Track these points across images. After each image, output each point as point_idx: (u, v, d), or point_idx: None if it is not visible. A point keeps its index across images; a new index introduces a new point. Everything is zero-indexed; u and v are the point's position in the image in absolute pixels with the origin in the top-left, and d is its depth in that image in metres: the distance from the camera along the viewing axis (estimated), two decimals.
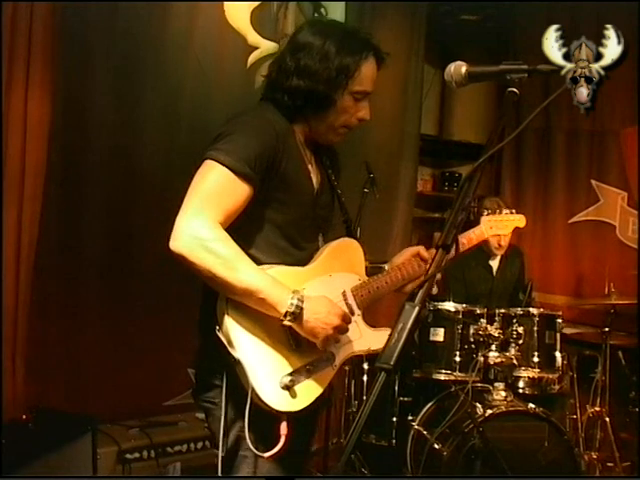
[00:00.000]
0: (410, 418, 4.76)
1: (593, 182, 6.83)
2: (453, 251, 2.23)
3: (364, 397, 5.26)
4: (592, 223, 6.85)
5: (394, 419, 4.90)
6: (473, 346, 4.74)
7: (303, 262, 2.59)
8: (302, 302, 2.36)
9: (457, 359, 4.73)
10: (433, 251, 2.62)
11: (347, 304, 2.62)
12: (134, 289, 4.70)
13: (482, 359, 4.66)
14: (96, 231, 4.60)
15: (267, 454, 2.38)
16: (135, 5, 4.63)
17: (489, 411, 4.46)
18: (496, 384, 4.67)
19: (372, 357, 5.28)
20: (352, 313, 2.60)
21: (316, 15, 5.52)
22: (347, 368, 5.31)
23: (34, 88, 4.17)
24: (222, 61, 4.96)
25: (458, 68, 2.17)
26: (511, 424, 4.50)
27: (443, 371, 4.77)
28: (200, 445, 4.43)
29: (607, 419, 5.34)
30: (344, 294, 2.62)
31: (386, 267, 2.80)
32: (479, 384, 4.72)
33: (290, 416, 2.41)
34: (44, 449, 3.93)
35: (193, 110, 4.81)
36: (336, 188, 2.76)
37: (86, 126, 4.54)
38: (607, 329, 5.42)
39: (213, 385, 2.51)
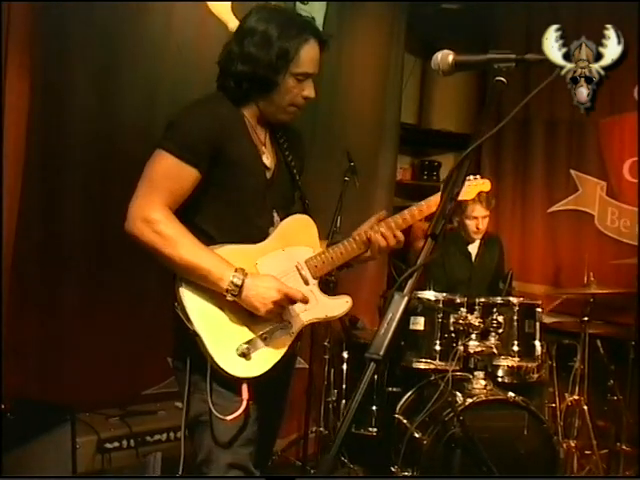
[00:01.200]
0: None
1: (572, 172, 6.84)
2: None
3: (344, 386, 5.29)
4: (571, 212, 6.86)
5: (374, 407, 4.92)
6: (453, 335, 4.76)
7: (257, 239, 2.77)
8: (243, 279, 2.54)
9: (437, 348, 4.76)
10: (395, 217, 2.89)
11: (301, 275, 2.80)
12: (113, 278, 4.66)
13: (462, 348, 4.68)
14: (75, 222, 4.55)
15: (229, 417, 2.56)
16: None
17: (469, 400, 4.49)
18: (476, 373, 4.69)
19: (352, 346, 5.35)
20: (307, 283, 2.80)
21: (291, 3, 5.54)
22: (327, 357, 5.33)
23: (12, 78, 4.12)
24: (203, 48, 4.89)
25: (445, 56, 2.17)
26: (491, 413, 4.53)
27: (423, 360, 4.78)
28: (180, 434, 4.41)
29: (585, 407, 5.38)
30: (298, 266, 2.80)
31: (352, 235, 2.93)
32: (459, 373, 4.74)
33: (251, 382, 2.60)
34: (23, 439, 3.90)
35: (173, 98, 4.74)
36: (292, 167, 2.92)
37: (65, 116, 4.47)
38: (586, 318, 5.45)
39: (183, 353, 2.71)
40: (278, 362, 2.67)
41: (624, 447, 5.31)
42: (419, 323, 4.80)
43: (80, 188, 4.58)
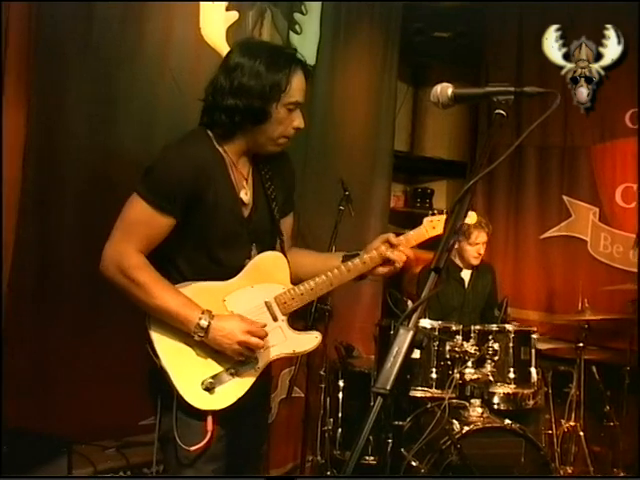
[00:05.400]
0: (384, 435, 4.74)
1: (564, 198, 6.87)
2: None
3: (339, 414, 5.27)
4: (564, 238, 6.88)
5: (370, 436, 4.88)
6: (449, 363, 4.74)
7: (229, 276, 2.83)
8: (209, 321, 2.65)
9: (433, 376, 4.73)
10: (401, 238, 2.90)
11: (270, 312, 2.84)
12: (109, 306, 4.63)
13: (458, 376, 4.65)
14: (71, 249, 4.53)
15: (192, 448, 2.68)
16: (110, 21, 4.60)
17: (466, 427, 4.47)
18: (472, 400, 4.67)
19: (348, 374, 5.34)
20: (275, 319, 2.84)
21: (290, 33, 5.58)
22: (323, 386, 5.31)
23: (9, 105, 4.13)
24: (198, 78, 4.90)
25: (444, 89, 2.20)
26: (488, 440, 4.51)
27: (419, 388, 4.76)
28: None
29: (581, 433, 5.38)
30: (267, 303, 2.84)
31: (361, 254, 2.93)
32: (455, 400, 4.71)
33: (216, 414, 2.70)
34: (19, 471, 3.86)
35: (169, 127, 4.75)
36: (272, 201, 2.92)
37: (61, 144, 4.48)
38: (581, 344, 5.47)
39: (155, 386, 2.80)
40: (246, 394, 2.75)
41: (621, 473, 5.31)
42: (415, 351, 4.78)
43: (77, 217, 4.57)
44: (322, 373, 5.31)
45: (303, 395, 5.18)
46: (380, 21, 6.58)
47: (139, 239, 2.68)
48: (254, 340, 2.69)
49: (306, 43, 5.74)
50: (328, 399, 5.35)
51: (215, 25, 5.08)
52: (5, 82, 4.13)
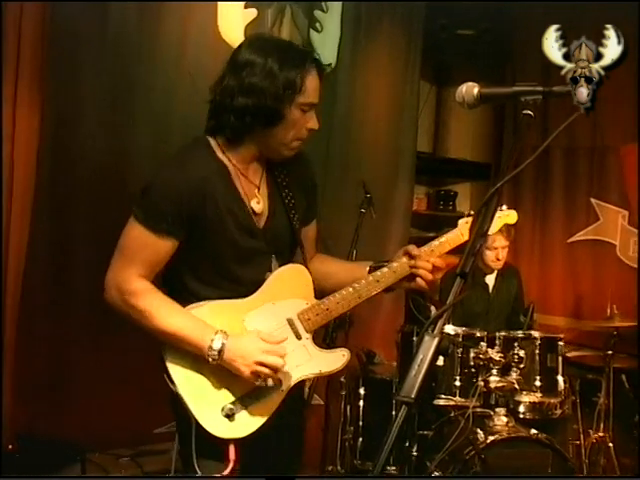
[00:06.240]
0: (407, 444, 4.64)
1: (593, 200, 6.80)
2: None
3: (360, 422, 5.18)
4: (592, 242, 6.81)
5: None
6: (473, 370, 4.63)
7: (246, 291, 2.65)
8: (223, 342, 2.48)
9: (457, 384, 4.62)
10: (423, 248, 2.73)
11: (294, 330, 2.67)
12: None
13: (483, 383, 4.55)
14: (85, 254, 4.51)
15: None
16: (126, 19, 4.58)
17: (490, 437, 4.36)
18: (497, 409, 4.57)
19: (369, 382, 5.25)
20: (299, 337, 2.67)
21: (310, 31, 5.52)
22: (343, 393, 5.23)
23: (23, 105, 4.17)
24: (215, 76, 4.89)
25: (470, 89, 2.11)
26: (513, 451, 4.40)
27: (443, 396, 4.65)
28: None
29: (610, 445, 5.25)
30: (289, 320, 2.67)
31: (392, 264, 2.75)
32: (479, 409, 4.60)
33: (238, 443, 2.54)
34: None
35: (185, 126, 4.70)
36: (290, 209, 2.74)
37: (75, 144, 4.49)
38: (610, 352, 5.33)
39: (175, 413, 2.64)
40: (270, 419, 2.59)
41: None
42: (438, 358, 4.67)
43: (90, 220, 4.56)
44: (342, 380, 5.24)
45: (323, 403, 5.12)
46: (402, 19, 6.54)
47: (140, 264, 2.53)
48: (272, 359, 2.51)
49: (327, 41, 5.71)
50: (348, 407, 5.28)
51: (233, 23, 5.06)
52: (19, 82, 4.18)
